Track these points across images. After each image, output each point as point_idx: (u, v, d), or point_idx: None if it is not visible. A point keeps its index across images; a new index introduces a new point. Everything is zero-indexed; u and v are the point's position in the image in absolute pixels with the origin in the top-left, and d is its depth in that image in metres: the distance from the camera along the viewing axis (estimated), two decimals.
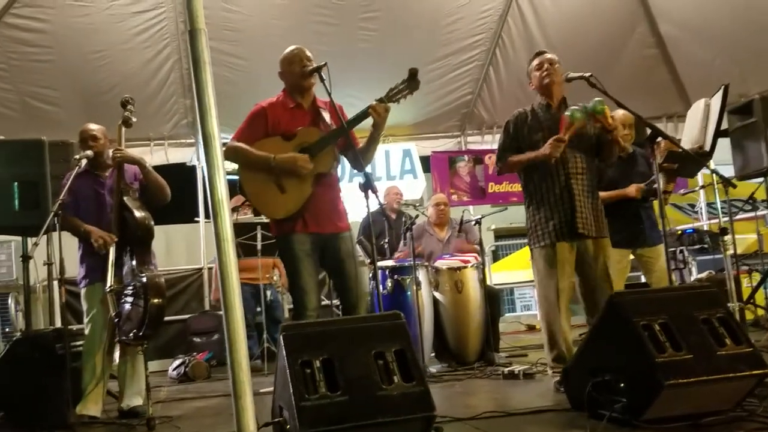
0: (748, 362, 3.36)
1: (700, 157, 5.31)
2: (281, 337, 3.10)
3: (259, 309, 7.99)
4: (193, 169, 10.02)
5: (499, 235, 18.95)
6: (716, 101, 5.58)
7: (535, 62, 4.97)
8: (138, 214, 4.86)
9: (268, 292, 7.90)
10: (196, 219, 10.33)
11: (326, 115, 4.52)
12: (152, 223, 4.96)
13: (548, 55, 4.96)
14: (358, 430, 2.89)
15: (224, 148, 4.40)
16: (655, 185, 5.45)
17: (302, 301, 4.38)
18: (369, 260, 6.83)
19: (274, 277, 7.92)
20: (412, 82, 4.32)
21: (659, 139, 4.66)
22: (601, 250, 4.85)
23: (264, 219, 6.94)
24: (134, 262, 4.85)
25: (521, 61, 9.71)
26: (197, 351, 8.13)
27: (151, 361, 7.66)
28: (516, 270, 14.67)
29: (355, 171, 4.55)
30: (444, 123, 10.92)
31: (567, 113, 4.64)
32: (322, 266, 4.61)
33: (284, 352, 3.04)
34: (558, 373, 4.74)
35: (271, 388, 3.53)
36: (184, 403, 5.74)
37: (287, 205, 4.40)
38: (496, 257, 17.98)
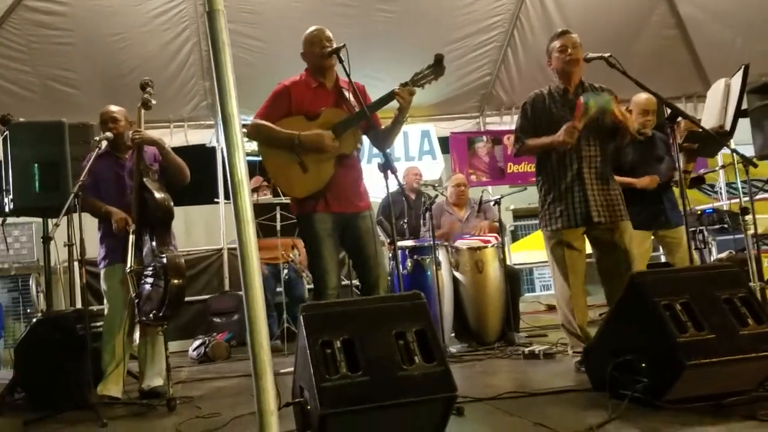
0: None
1: (720, 137, 5.25)
2: (301, 317, 3.10)
3: (279, 289, 8.03)
4: (212, 150, 10.03)
5: (518, 215, 18.89)
6: (736, 81, 5.51)
7: (558, 43, 4.87)
8: (158, 195, 4.88)
9: (285, 271, 7.92)
10: (215, 200, 10.35)
11: (349, 96, 4.51)
12: (172, 203, 4.97)
13: (572, 37, 4.85)
14: (379, 411, 2.89)
15: (247, 126, 4.46)
16: (670, 174, 5.44)
17: (323, 280, 4.41)
18: (389, 240, 6.82)
19: (292, 256, 7.92)
20: (437, 67, 4.36)
21: (679, 119, 4.62)
22: (619, 235, 4.82)
23: (283, 199, 6.98)
24: (154, 243, 4.86)
25: (539, 42, 9.65)
26: (217, 331, 8.16)
27: (171, 342, 7.73)
28: (535, 250, 14.63)
29: (375, 152, 4.55)
30: (463, 104, 10.87)
31: (582, 100, 4.62)
32: (343, 246, 4.64)
33: (305, 332, 3.04)
34: (578, 353, 4.78)
35: (291, 369, 3.54)
36: (205, 384, 5.77)
37: (309, 184, 4.41)
38: (515, 237, 17.95)
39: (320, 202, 4.44)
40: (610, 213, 4.79)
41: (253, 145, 9.54)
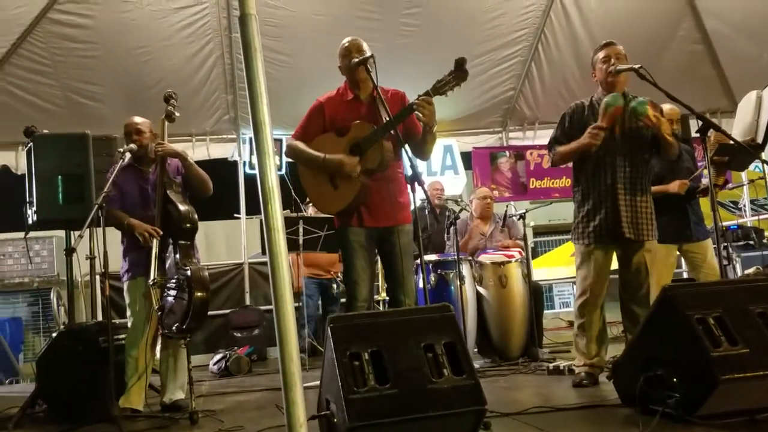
0: None
1: (752, 150, 5.19)
2: (329, 329, 3.07)
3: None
4: (234, 164, 10.03)
5: (538, 231, 18.86)
6: None
7: (602, 54, 4.86)
8: (182, 207, 4.87)
9: (333, 285, 7.98)
10: (236, 215, 10.36)
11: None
12: (196, 216, 4.96)
13: (617, 48, 4.85)
14: (408, 424, 2.85)
15: (285, 146, 4.62)
16: (704, 181, 5.38)
17: (353, 291, 4.43)
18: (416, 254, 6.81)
19: (339, 272, 7.98)
20: (459, 72, 4.21)
21: (710, 132, 4.57)
22: (644, 253, 4.83)
23: (304, 213, 7.00)
24: (178, 256, 4.84)
25: (564, 57, 9.67)
26: (238, 346, 8.18)
27: (193, 356, 7.72)
28: (555, 267, 14.59)
29: (401, 169, 4.54)
30: (485, 119, 10.81)
31: (603, 103, 4.62)
32: (381, 259, 4.71)
33: (332, 344, 3.01)
34: (578, 366, 4.96)
35: (313, 383, 3.51)
36: (226, 397, 5.74)
37: (337, 201, 4.46)
38: (535, 254, 17.88)
39: (354, 217, 4.47)
40: (638, 229, 4.77)
41: (276, 160, 9.66)
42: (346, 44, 4.56)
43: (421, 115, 4.25)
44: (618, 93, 4.66)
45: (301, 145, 4.52)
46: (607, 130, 4.67)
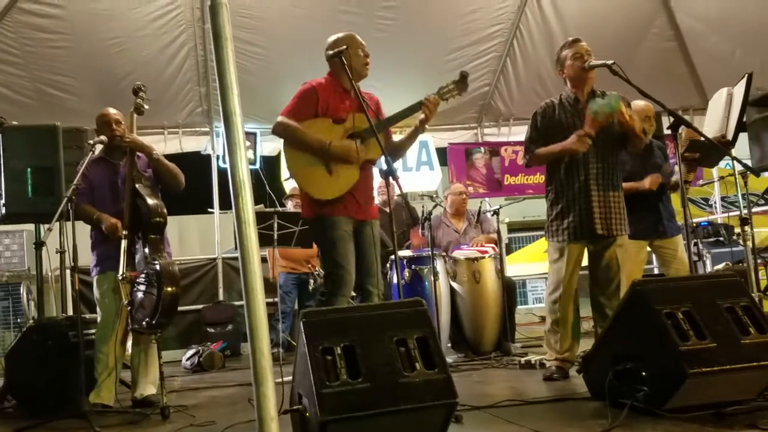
0: None
1: (722, 147, 5.23)
2: (302, 323, 3.06)
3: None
4: (207, 158, 9.97)
5: (513, 228, 18.93)
6: (739, 90, 5.50)
7: (571, 51, 4.87)
8: (151, 201, 4.82)
9: (311, 281, 7.97)
10: (210, 210, 10.30)
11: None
12: (165, 210, 4.92)
13: (584, 45, 4.86)
14: (380, 418, 2.85)
15: (275, 122, 4.47)
16: (674, 177, 5.42)
17: (344, 281, 4.38)
18: (389, 249, 6.81)
19: (316, 267, 7.92)
20: (461, 83, 4.45)
21: (681, 128, 4.61)
22: (615, 249, 4.90)
23: (280, 209, 6.96)
24: (147, 250, 4.79)
25: (539, 53, 9.69)
26: (211, 341, 8.14)
27: (165, 351, 7.67)
28: (529, 263, 14.63)
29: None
30: (461, 115, 10.81)
31: (590, 109, 4.61)
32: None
33: (305, 338, 3.00)
34: (549, 360, 5.01)
35: (288, 378, 3.50)
36: (199, 393, 5.71)
37: (333, 188, 4.41)
38: (509, 250, 17.94)
39: (339, 206, 4.43)
40: (611, 225, 4.82)
41: (249, 154, 9.59)
42: (355, 37, 4.61)
43: (427, 112, 4.40)
44: (612, 96, 4.65)
45: (298, 125, 4.42)
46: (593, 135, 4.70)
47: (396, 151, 4.73)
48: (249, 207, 2.15)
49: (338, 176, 4.39)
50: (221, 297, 9.35)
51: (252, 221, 2.15)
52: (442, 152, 10.79)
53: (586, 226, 4.80)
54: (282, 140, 4.55)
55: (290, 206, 8.24)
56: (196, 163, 9.53)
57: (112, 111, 5.15)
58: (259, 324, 2.08)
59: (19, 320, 10.01)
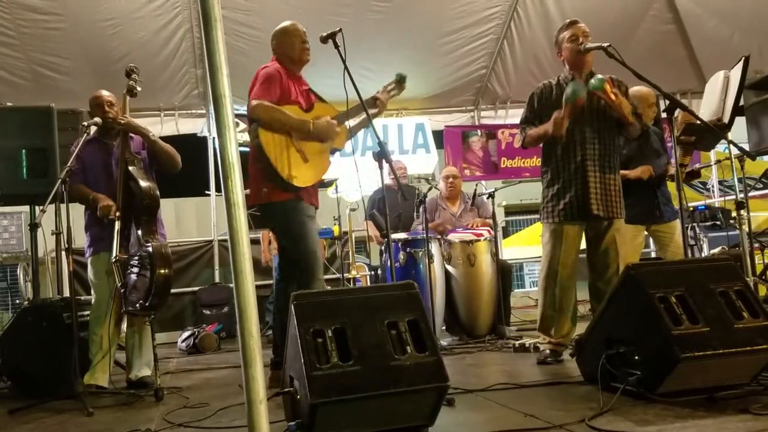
0: (766, 335, 3.31)
1: (718, 130, 5.22)
2: (292, 306, 3.05)
3: None
4: (204, 140, 9.94)
5: (510, 211, 18.94)
6: (736, 73, 5.48)
7: (568, 33, 4.85)
8: (143, 183, 4.81)
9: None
10: (206, 192, 10.29)
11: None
12: (157, 192, 4.91)
13: (582, 26, 4.84)
14: (371, 401, 2.85)
15: (253, 105, 4.43)
16: (664, 169, 5.42)
17: (313, 267, 4.42)
18: (383, 232, 6.80)
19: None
20: (399, 84, 4.72)
21: (677, 111, 4.59)
22: (613, 231, 4.87)
23: None
24: (140, 232, 4.79)
25: (536, 36, 9.64)
26: (207, 323, 8.17)
27: (161, 333, 7.67)
28: (526, 246, 14.67)
29: (369, 144, 4.63)
30: (457, 97, 10.80)
31: (566, 91, 4.63)
32: None
33: (295, 321, 2.99)
34: (542, 343, 5.00)
35: None
36: (193, 374, 5.73)
37: (310, 174, 4.44)
38: (506, 233, 17.99)
39: (304, 193, 4.48)
40: (607, 207, 4.80)
41: (246, 136, 9.58)
42: (299, 27, 4.65)
43: (380, 108, 4.67)
44: (580, 83, 4.65)
45: (277, 107, 4.40)
46: (569, 120, 4.69)
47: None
48: (238, 189, 2.14)
49: (314, 164, 4.42)
50: (217, 279, 9.36)
51: (241, 203, 2.13)
52: (438, 135, 10.78)
53: (583, 206, 4.78)
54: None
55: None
56: (192, 146, 9.53)
57: (104, 93, 5.13)
58: (248, 306, 2.06)
59: (17, 301, 10.05)
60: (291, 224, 4.53)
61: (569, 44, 4.82)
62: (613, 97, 4.57)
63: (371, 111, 4.47)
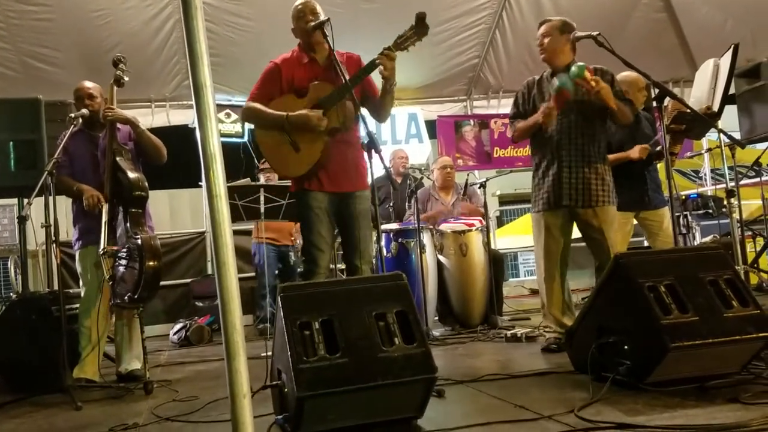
0: (755, 324, 3.29)
1: (708, 118, 5.20)
2: (279, 298, 3.02)
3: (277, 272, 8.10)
4: (195, 131, 9.88)
5: (504, 200, 18.90)
6: (725, 61, 5.47)
7: (538, 33, 4.94)
8: (131, 174, 4.77)
9: (291, 254, 7.90)
10: (200, 183, 10.24)
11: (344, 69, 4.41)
12: (146, 183, 4.86)
13: (542, 28, 4.91)
14: (358, 393, 2.82)
15: (243, 107, 4.49)
16: (659, 147, 5.40)
17: (314, 257, 4.36)
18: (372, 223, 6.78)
19: (297, 240, 7.86)
20: (420, 27, 4.24)
21: (667, 100, 4.57)
22: (597, 220, 4.87)
23: (266, 183, 6.91)
24: (128, 224, 4.74)
25: (528, 25, 9.60)
26: (199, 315, 8.14)
27: (153, 325, 7.65)
28: (520, 235, 14.64)
29: (360, 133, 4.48)
30: (450, 87, 10.79)
31: (555, 84, 4.64)
32: (337, 224, 4.56)
33: (282, 313, 2.97)
34: (548, 331, 5.01)
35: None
36: (184, 367, 5.72)
37: (301, 163, 4.35)
38: (500, 222, 17.93)
39: (314, 181, 4.38)
40: (584, 196, 4.81)
41: (237, 127, 9.54)
42: (300, 6, 4.47)
43: (383, 68, 4.24)
44: (565, 75, 4.64)
45: (259, 106, 4.39)
46: (558, 110, 4.73)
47: (378, 111, 4.61)
48: (220, 180, 2.12)
49: (304, 151, 4.33)
50: (210, 271, 9.33)
51: (224, 195, 2.12)
52: (431, 125, 10.77)
53: (557, 196, 4.86)
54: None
55: (262, 180, 8.16)
56: (185, 137, 9.47)
57: (87, 84, 5.10)
58: (231, 298, 2.05)
59: (11, 294, 10.01)
60: (298, 216, 4.54)
61: (539, 47, 4.93)
62: (593, 84, 4.55)
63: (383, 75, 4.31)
